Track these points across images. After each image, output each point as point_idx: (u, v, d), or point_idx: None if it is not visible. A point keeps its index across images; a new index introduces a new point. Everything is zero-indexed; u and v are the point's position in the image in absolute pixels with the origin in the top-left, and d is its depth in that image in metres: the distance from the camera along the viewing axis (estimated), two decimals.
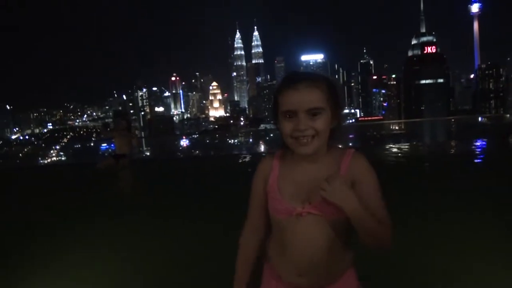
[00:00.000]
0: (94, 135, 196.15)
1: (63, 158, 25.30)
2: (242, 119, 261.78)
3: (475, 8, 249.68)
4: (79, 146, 36.71)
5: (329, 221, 1.89)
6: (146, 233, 6.61)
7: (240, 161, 16.59)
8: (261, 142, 29.33)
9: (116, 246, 6.00)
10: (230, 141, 29.83)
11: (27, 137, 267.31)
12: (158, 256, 5.56)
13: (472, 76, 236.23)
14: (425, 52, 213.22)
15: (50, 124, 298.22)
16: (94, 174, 10.93)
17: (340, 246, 1.97)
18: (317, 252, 1.92)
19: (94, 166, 10.80)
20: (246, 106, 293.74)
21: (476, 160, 12.72)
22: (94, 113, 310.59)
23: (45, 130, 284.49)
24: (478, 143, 16.20)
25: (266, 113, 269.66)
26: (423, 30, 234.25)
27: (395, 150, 16.43)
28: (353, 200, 1.75)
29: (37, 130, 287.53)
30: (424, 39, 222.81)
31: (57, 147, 36.81)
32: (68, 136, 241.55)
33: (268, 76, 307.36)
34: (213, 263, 5.17)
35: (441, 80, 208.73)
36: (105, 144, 22.46)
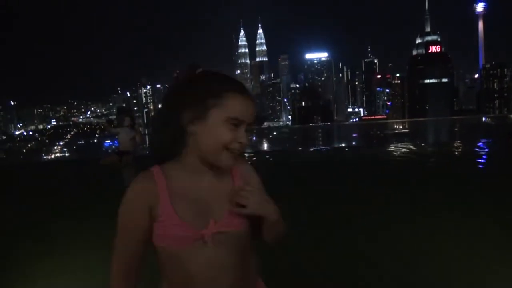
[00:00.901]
0: (97, 132, 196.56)
1: (66, 154, 25.40)
2: None
3: (480, 7, 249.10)
4: (83, 142, 36.73)
5: (238, 234, 1.61)
6: None
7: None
8: (264, 140, 29.34)
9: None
10: None
11: (30, 133, 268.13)
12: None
13: (476, 76, 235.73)
14: (430, 51, 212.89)
15: (54, 120, 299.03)
16: (97, 171, 10.95)
17: (250, 257, 1.70)
18: (231, 275, 1.59)
19: (98, 162, 10.82)
20: None
21: (478, 160, 12.72)
22: (98, 110, 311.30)
23: (49, 126, 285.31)
24: (480, 144, 16.18)
25: (270, 111, 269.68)
26: (427, 29, 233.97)
27: (397, 149, 16.44)
28: (273, 205, 1.60)
29: (41, 126, 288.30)
30: (429, 38, 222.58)
31: (61, 143, 36.89)
32: (71, 133, 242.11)
33: (272, 74, 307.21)
34: None
35: (445, 80, 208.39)
36: (108, 141, 22.53)
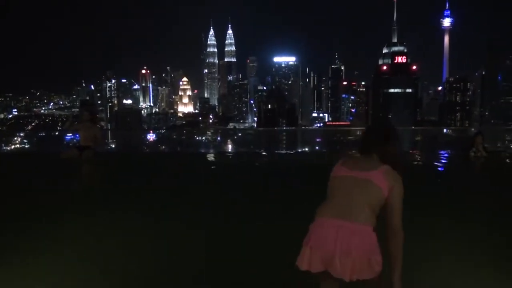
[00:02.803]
0: (59, 124, 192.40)
1: (26, 146, 24.80)
2: (211, 116, 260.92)
3: (446, 22, 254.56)
4: (44, 134, 35.91)
5: None
6: (99, 228, 6.50)
7: (204, 160, 16.57)
8: (229, 141, 29.32)
9: (66, 243, 5.87)
10: (197, 138, 29.71)
11: None
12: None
13: (440, 88, 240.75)
14: (395, 61, 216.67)
15: (15, 110, 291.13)
16: (55, 165, 10.76)
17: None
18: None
19: (57, 156, 10.65)
20: (216, 104, 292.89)
21: (433, 172, 13.02)
22: (61, 102, 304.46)
23: (10, 116, 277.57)
24: (438, 155, 16.57)
25: (236, 112, 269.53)
26: (394, 40, 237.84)
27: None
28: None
29: (1, 116, 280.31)
30: (395, 48, 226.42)
31: (21, 134, 35.99)
32: (33, 124, 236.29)
33: (240, 75, 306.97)
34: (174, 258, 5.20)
35: (409, 90, 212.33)
36: (70, 134, 22.12)
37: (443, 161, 15.54)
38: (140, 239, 6.12)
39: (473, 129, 46.97)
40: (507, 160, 15.81)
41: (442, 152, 17.47)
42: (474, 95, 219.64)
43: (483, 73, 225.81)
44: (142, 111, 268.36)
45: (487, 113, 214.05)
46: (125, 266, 5.15)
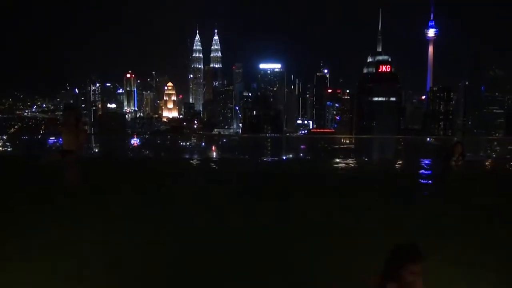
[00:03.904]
0: (43, 127, 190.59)
1: (9, 149, 24.61)
2: (196, 122, 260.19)
3: (431, 33, 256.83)
4: (27, 137, 35.66)
5: None
6: (79, 231, 6.53)
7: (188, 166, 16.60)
8: (213, 147, 29.34)
9: (44, 243, 5.88)
10: (182, 144, 29.72)
11: None
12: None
13: (423, 97, 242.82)
14: (380, 70, 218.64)
15: None
16: (37, 169, 10.70)
17: None
18: None
19: (39, 160, 10.59)
20: (201, 110, 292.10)
21: (414, 181, 13.21)
22: (44, 105, 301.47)
23: None
24: (419, 164, 16.80)
25: (221, 118, 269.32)
26: (379, 49, 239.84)
27: (340, 163, 16.83)
28: None
29: None
30: (380, 58, 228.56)
31: (4, 137, 35.70)
32: (16, 126, 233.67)
33: (226, 81, 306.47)
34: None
35: (393, 99, 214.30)
36: (53, 138, 22.01)
37: (423, 170, 15.74)
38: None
39: (455, 138, 47.63)
40: (486, 168, 16.12)
41: (424, 160, 17.70)
42: (457, 104, 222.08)
43: (466, 83, 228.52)
44: (126, 116, 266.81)
45: (470, 123, 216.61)
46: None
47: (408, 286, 3.82)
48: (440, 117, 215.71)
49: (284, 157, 23.74)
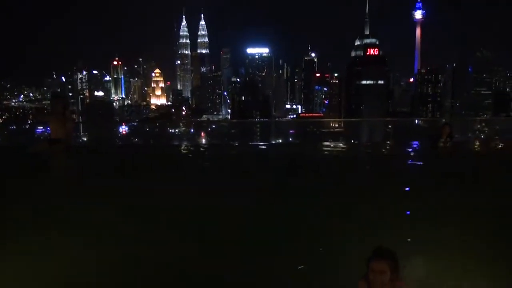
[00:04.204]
0: (30, 117, 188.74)
1: None
2: (184, 108, 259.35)
3: (418, 15, 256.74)
4: (14, 127, 35.31)
5: None
6: (68, 224, 6.47)
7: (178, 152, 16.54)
8: (202, 133, 29.28)
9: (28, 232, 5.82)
10: (170, 130, 29.59)
11: None
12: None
13: (411, 80, 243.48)
14: (368, 53, 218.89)
15: None
16: (25, 158, 10.59)
17: None
18: None
19: (27, 149, 10.48)
20: (189, 96, 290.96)
21: (402, 162, 13.29)
22: (31, 94, 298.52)
23: None
24: (408, 146, 16.87)
25: (209, 104, 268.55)
26: (367, 32, 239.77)
27: (330, 147, 16.86)
28: None
29: None
30: (368, 41, 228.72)
31: None
32: (3, 117, 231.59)
33: (213, 66, 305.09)
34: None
35: (381, 82, 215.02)
36: (41, 127, 21.79)
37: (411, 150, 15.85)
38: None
39: (443, 120, 47.95)
40: (473, 148, 16.29)
41: (413, 142, 17.78)
42: (445, 86, 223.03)
43: (454, 65, 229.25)
44: (114, 103, 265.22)
45: (458, 104, 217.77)
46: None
47: (372, 284, 4.41)
48: (428, 99, 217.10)
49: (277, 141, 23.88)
